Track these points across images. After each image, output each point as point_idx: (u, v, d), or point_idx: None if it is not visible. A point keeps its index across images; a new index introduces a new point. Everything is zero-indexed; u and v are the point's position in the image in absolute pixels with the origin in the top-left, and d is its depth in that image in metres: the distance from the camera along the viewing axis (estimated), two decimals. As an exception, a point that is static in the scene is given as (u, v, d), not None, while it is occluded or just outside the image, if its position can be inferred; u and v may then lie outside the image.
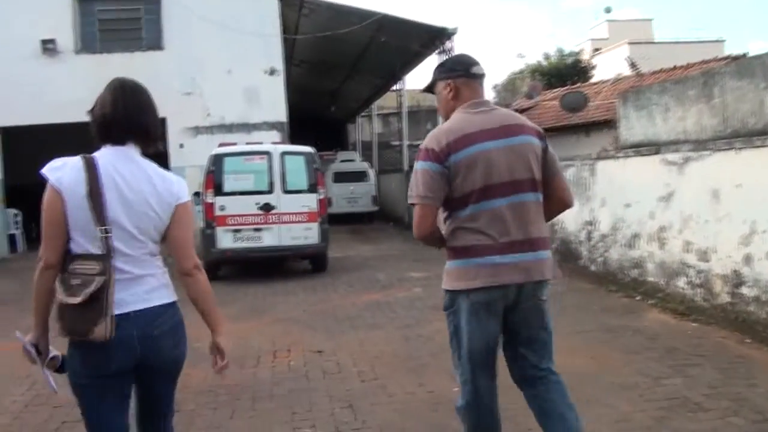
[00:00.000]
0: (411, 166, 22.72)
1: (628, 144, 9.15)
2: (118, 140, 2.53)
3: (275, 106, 15.65)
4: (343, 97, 29.67)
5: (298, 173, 10.57)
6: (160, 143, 2.75)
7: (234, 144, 11.53)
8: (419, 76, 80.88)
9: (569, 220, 10.39)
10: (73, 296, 2.34)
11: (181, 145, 15.47)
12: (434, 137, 2.95)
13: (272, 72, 15.60)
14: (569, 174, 10.46)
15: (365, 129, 35.23)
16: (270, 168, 10.42)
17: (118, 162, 2.49)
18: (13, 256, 16.14)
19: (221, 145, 11.29)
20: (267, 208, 10.35)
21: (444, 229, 3.03)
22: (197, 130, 15.53)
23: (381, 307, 8.13)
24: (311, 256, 11.11)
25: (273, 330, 7.21)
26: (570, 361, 4.92)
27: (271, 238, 10.42)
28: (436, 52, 17.11)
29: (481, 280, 2.86)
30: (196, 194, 11.67)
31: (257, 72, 15.57)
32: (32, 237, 18.36)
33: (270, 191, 10.41)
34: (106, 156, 2.50)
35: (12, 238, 16.69)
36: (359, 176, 22.64)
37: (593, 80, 27.62)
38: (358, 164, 24.07)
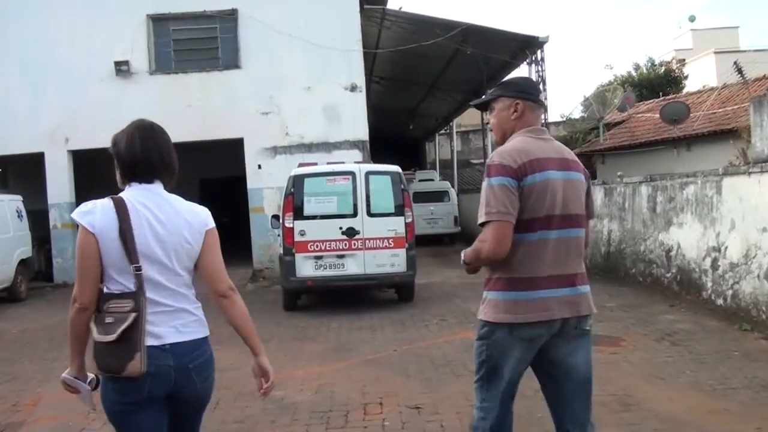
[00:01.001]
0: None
1: (764, 157, 7.95)
2: (144, 179, 2.65)
3: (356, 123, 14.92)
4: (421, 115, 28.99)
5: (383, 194, 9.71)
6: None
7: (314, 164, 10.80)
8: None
9: (689, 245, 9.22)
10: (107, 334, 2.44)
11: (259, 166, 14.96)
12: (507, 154, 2.85)
13: (353, 88, 14.88)
14: (688, 193, 9.32)
15: (444, 147, 34.51)
16: (354, 189, 9.61)
17: (146, 199, 2.60)
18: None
19: (301, 165, 10.57)
20: (351, 233, 9.52)
21: None
22: (275, 150, 14.92)
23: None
24: (398, 286, 10.21)
25: (361, 375, 6.32)
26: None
27: (355, 265, 9.57)
28: (526, 62, 16.13)
29: (530, 315, 2.81)
30: (275, 217, 11.00)
31: (337, 88, 14.89)
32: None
33: (354, 215, 9.59)
34: (134, 195, 2.61)
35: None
36: (440, 196, 21.67)
37: (686, 91, 26.05)
38: (438, 183, 23.17)
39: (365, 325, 8.70)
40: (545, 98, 16.38)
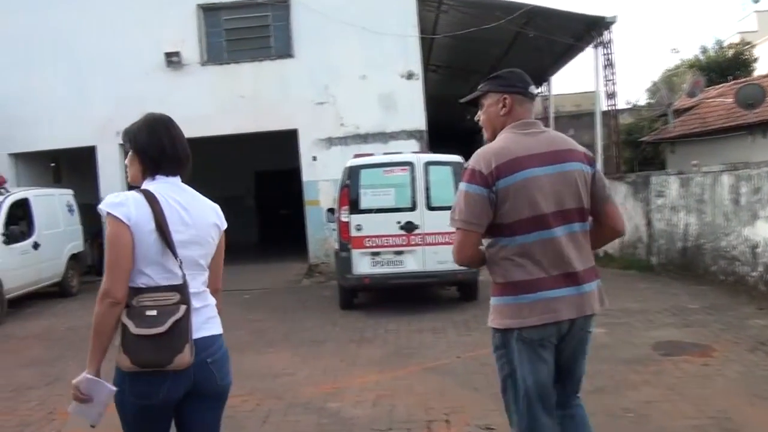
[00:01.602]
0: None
1: None
2: (170, 173, 2.62)
3: (413, 112, 14.28)
4: (478, 105, 28.17)
5: (444, 186, 9.07)
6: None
7: (371, 155, 10.26)
8: (564, 79, 78.33)
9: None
10: (153, 327, 2.38)
11: (314, 158, 14.48)
12: (482, 158, 2.79)
13: (410, 76, 14.25)
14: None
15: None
16: (413, 181, 9.02)
17: (174, 194, 2.57)
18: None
19: (357, 156, 10.03)
20: (409, 227, 8.95)
21: (488, 257, 2.91)
22: (330, 142, 14.43)
23: (556, 354, 6.50)
24: (460, 284, 9.59)
25: (423, 386, 5.76)
26: None
27: (414, 262, 8.99)
28: (592, 44, 15.25)
29: (535, 318, 2.75)
30: (331, 211, 10.50)
31: (394, 76, 14.26)
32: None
33: (413, 208, 9.00)
34: (162, 189, 2.55)
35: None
36: None
37: (756, 74, 24.64)
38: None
39: (426, 327, 8.12)
40: (613, 83, 15.52)
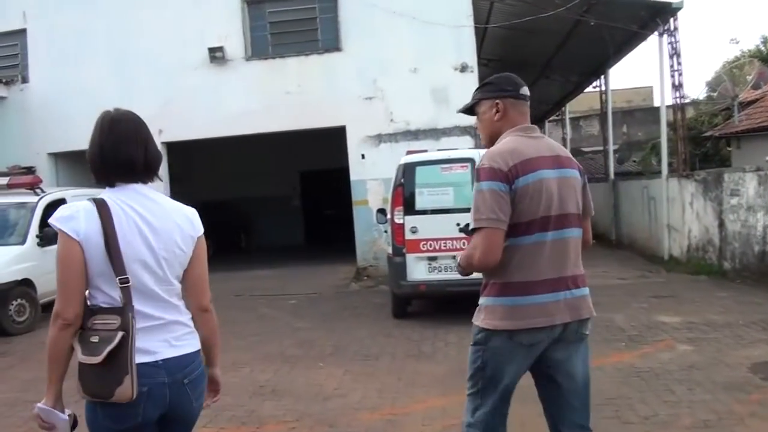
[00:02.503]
0: (617, 174, 20.22)
1: None
2: (123, 180, 2.38)
3: (468, 107, 13.49)
4: (531, 100, 27.18)
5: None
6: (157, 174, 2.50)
7: (424, 151, 9.52)
8: (622, 72, 76.51)
9: None
10: (92, 355, 2.22)
11: (362, 156, 13.85)
12: (498, 156, 2.73)
13: (463, 68, 13.48)
14: None
15: (553, 135, 32.71)
16: (473, 179, 8.24)
17: (132, 201, 2.35)
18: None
19: (409, 152, 9.30)
20: (470, 230, 8.18)
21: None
22: (379, 138, 13.74)
23: (645, 380, 5.70)
24: (525, 291, 8.83)
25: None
26: None
27: (475, 268, 8.24)
28: (657, 32, 14.24)
29: (529, 321, 2.71)
30: (381, 212, 9.82)
31: (446, 69, 13.50)
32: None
33: (472, 208, 8.25)
34: (118, 196, 2.34)
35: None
36: None
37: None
38: (552, 173, 21.42)
39: (490, 340, 7.37)
40: (679, 74, 14.50)
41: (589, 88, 22.56)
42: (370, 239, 13.48)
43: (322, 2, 14.52)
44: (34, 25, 15.32)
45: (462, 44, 13.55)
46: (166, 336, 2.38)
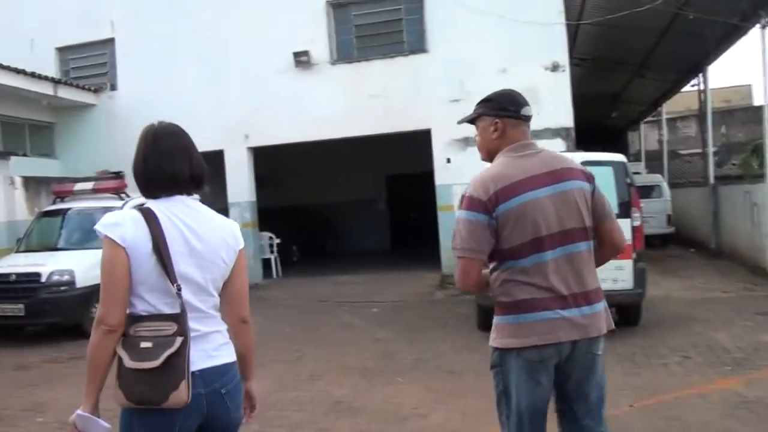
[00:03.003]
0: (717, 178, 19.03)
1: None
2: (166, 194, 2.37)
3: (559, 108, 12.85)
4: (626, 101, 26.17)
5: (604, 191, 7.71)
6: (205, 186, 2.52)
7: (513, 155, 9.03)
8: (719, 71, 73.49)
9: None
10: (145, 360, 2.19)
11: (448, 160, 13.44)
12: (480, 184, 2.77)
13: (555, 68, 12.88)
14: None
15: (648, 137, 31.34)
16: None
17: (179, 211, 2.35)
18: (266, 282, 15.18)
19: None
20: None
21: (491, 280, 2.85)
22: (466, 142, 13.25)
23: (754, 412, 5.06)
24: (621, 306, 8.17)
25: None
26: None
27: (566, 280, 7.69)
28: (759, 25, 13.21)
29: (536, 338, 2.70)
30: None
31: (537, 69, 12.90)
32: (291, 261, 17.54)
33: (565, 216, 7.71)
34: (164, 206, 2.35)
35: (267, 263, 15.73)
36: (649, 191, 18.58)
37: None
38: (648, 177, 20.29)
39: (583, 359, 6.83)
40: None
41: (687, 87, 21.43)
42: (457, 246, 13.08)
43: (408, 3, 14.23)
44: (123, 34, 15.65)
45: (553, 42, 12.94)
46: (203, 346, 2.34)
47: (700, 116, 20.76)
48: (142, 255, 2.26)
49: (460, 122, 3.27)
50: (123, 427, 2.32)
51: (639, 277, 7.65)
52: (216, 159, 15.08)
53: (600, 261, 2.98)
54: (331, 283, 14.18)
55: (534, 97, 12.65)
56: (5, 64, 13.16)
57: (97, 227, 2.31)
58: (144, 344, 2.23)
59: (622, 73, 21.43)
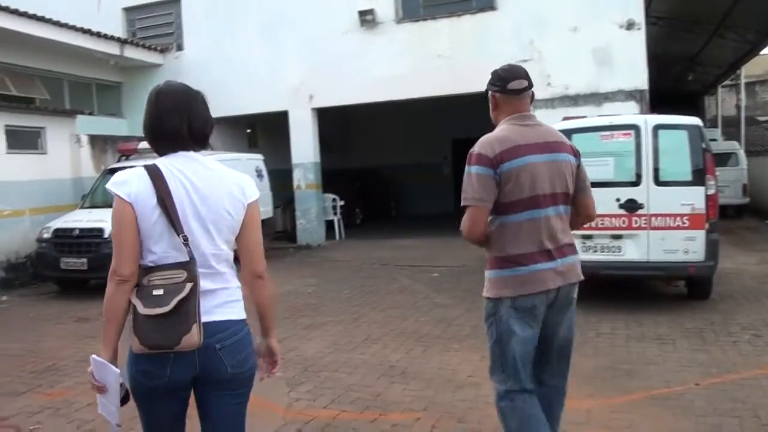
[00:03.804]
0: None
1: None
2: (172, 150, 2.47)
3: (633, 69, 12.28)
4: (702, 63, 24.94)
5: (677, 156, 7.30)
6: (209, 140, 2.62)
7: (583, 118, 8.66)
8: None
9: None
10: (158, 306, 2.29)
11: (516, 123, 12.98)
12: (487, 144, 3.10)
13: (630, 26, 12.27)
14: None
15: (726, 102, 29.99)
16: (637, 148, 7.30)
17: (182, 166, 2.43)
18: (329, 244, 15.22)
19: (566, 119, 8.47)
20: (631, 206, 7.29)
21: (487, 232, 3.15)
22: (535, 104, 12.48)
23: None
24: (690, 278, 7.79)
25: (652, 425, 4.31)
26: None
27: (635, 249, 7.32)
28: None
29: (529, 287, 3.04)
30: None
31: (610, 27, 12.36)
32: (354, 224, 17.51)
33: (636, 182, 7.31)
34: (169, 162, 2.44)
35: (330, 225, 15.72)
36: (724, 159, 17.61)
37: None
38: (724, 144, 19.41)
39: (648, 333, 6.51)
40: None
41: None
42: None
43: (479, -44, 13.75)
44: (195, -5, 15.67)
45: (628, -1, 12.31)
46: (208, 302, 2.39)
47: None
48: (147, 208, 2.34)
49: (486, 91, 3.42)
50: (128, 369, 2.44)
51: (711, 248, 7.24)
52: (281, 119, 15.11)
53: (574, 227, 3.32)
54: (393, 247, 14.08)
55: (607, 57, 12.33)
56: (72, 24, 13.31)
57: (108, 186, 2.40)
58: (156, 292, 2.32)
59: (700, 34, 20.42)
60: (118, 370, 2.40)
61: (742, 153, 18.76)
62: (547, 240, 3.08)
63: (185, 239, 2.34)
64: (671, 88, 27.01)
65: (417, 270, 11.13)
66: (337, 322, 7.58)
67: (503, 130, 3.15)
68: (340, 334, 7.01)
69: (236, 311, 2.49)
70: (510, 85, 3.19)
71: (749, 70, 26.62)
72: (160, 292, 2.31)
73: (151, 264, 2.37)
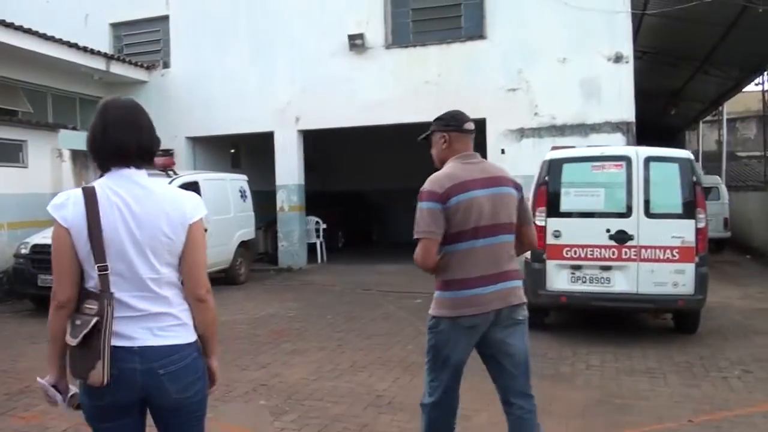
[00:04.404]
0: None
1: None
2: (116, 165, 2.42)
3: (620, 101, 12.32)
4: (685, 98, 25.21)
5: (668, 189, 7.28)
6: (153, 158, 2.59)
7: (572, 147, 8.63)
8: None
9: None
10: (72, 337, 2.31)
11: (503, 151, 13.02)
12: (436, 181, 3.42)
13: (618, 59, 12.33)
14: None
15: (706, 137, 30.34)
16: (629, 180, 7.27)
17: (120, 188, 2.39)
18: (310, 267, 15.03)
19: (555, 148, 8.42)
20: (621, 237, 7.24)
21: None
22: (521, 133, 12.88)
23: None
24: (680, 312, 7.74)
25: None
26: None
27: (625, 281, 7.25)
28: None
29: (470, 309, 3.35)
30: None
31: (598, 59, 12.42)
32: (336, 247, 17.35)
33: (627, 214, 7.27)
34: (106, 183, 2.41)
35: (312, 248, 15.57)
36: (706, 193, 17.71)
37: None
38: (706, 178, 19.41)
39: (638, 366, 6.43)
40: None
41: (749, 87, 20.52)
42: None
43: (469, -14, 13.81)
44: (177, 12, 15.63)
45: (616, 32, 12.39)
46: (149, 325, 2.38)
47: (763, 117, 19.92)
48: (80, 235, 2.32)
49: (419, 139, 3.81)
50: (78, 387, 2.46)
51: (701, 282, 7.19)
52: (265, 140, 14.99)
53: (518, 253, 3.61)
54: (375, 272, 13.95)
55: (594, 89, 12.36)
56: (59, 37, 13.15)
57: (48, 207, 2.38)
58: (77, 321, 2.33)
59: (684, 69, 20.65)
60: (60, 396, 2.45)
61: (723, 187, 18.88)
62: (489, 266, 3.37)
63: (101, 269, 2.31)
64: (653, 122, 27.25)
65: (400, 296, 11.00)
66: (320, 348, 7.42)
67: (450, 168, 3.47)
68: (324, 361, 6.85)
69: (182, 335, 2.44)
70: (465, 125, 3.57)
71: (731, 107, 26.96)
72: (79, 322, 2.32)
73: (91, 289, 2.36)
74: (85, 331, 2.27)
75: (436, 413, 3.54)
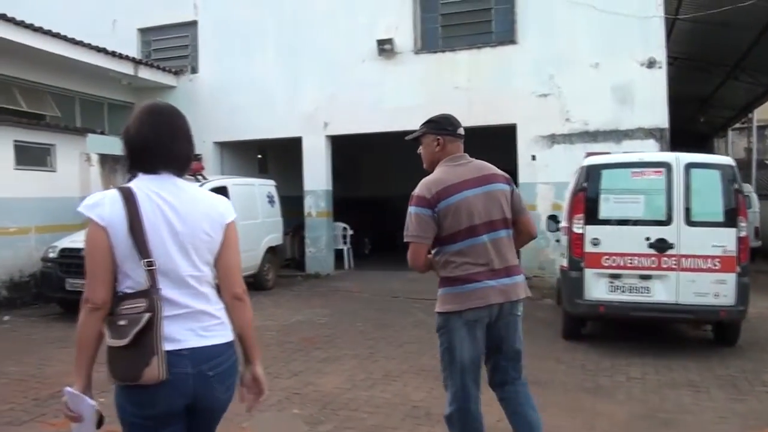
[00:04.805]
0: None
1: None
2: (152, 169, 2.41)
3: (654, 107, 12.09)
4: (715, 105, 24.86)
5: (709, 196, 7.10)
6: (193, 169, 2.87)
7: (608, 153, 8.47)
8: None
9: None
10: (120, 338, 2.23)
11: (533, 157, 12.85)
12: (425, 186, 3.55)
13: (651, 64, 12.11)
14: None
15: (736, 145, 29.91)
16: (669, 187, 7.10)
17: (159, 188, 2.37)
18: (338, 273, 14.92)
19: (590, 154, 8.25)
20: (661, 246, 7.07)
21: (435, 260, 3.63)
22: (553, 139, 12.69)
23: None
24: (719, 323, 7.53)
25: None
26: None
27: (664, 291, 7.07)
28: None
29: (473, 302, 3.45)
30: (552, 218, 8.90)
31: (631, 64, 12.19)
32: (363, 254, 17.25)
33: (667, 221, 7.10)
34: (145, 184, 2.38)
35: (338, 254, 15.48)
36: None
37: None
38: (735, 187, 19.17)
39: (680, 380, 6.24)
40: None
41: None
42: (536, 247, 12.34)
43: (497, -8, 13.67)
44: (205, 17, 15.65)
45: (649, 37, 12.16)
46: (192, 325, 2.34)
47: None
48: (119, 234, 2.26)
49: (407, 138, 3.89)
50: (117, 401, 2.35)
51: (742, 292, 6.99)
52: (292, 145, 14.94)
53: (518, 246, 3.73)
54: (403, 279, 13.80)
55: (627, 95, 12.17)
56: (87, 42, 13.20)
57: (80, 208, 2.32)
58: (121, 322, 2.24)
59: (715, 75, 20.33)
60: (93, 402, 2.32)
61: (754, 196, 18.56)
62: (488, 261, 3.48)
63: (148, 264, 2.26)
64: (682, 128, 26.89)
65: (430, 303, 10.69)
66: (352, 356, 7.31)
67: (439, 173, 3.60)
68: (357, 369, 6.74)
69: (224, 334, 2.43)
70: (459, 130, 3.71)
71: (760, 114, 26.57)
72: (124, 322, 2.24)
73: (127, 290, 2.29)
74: (137, 329, 2.20)
75: (462, 423, 3.56)
